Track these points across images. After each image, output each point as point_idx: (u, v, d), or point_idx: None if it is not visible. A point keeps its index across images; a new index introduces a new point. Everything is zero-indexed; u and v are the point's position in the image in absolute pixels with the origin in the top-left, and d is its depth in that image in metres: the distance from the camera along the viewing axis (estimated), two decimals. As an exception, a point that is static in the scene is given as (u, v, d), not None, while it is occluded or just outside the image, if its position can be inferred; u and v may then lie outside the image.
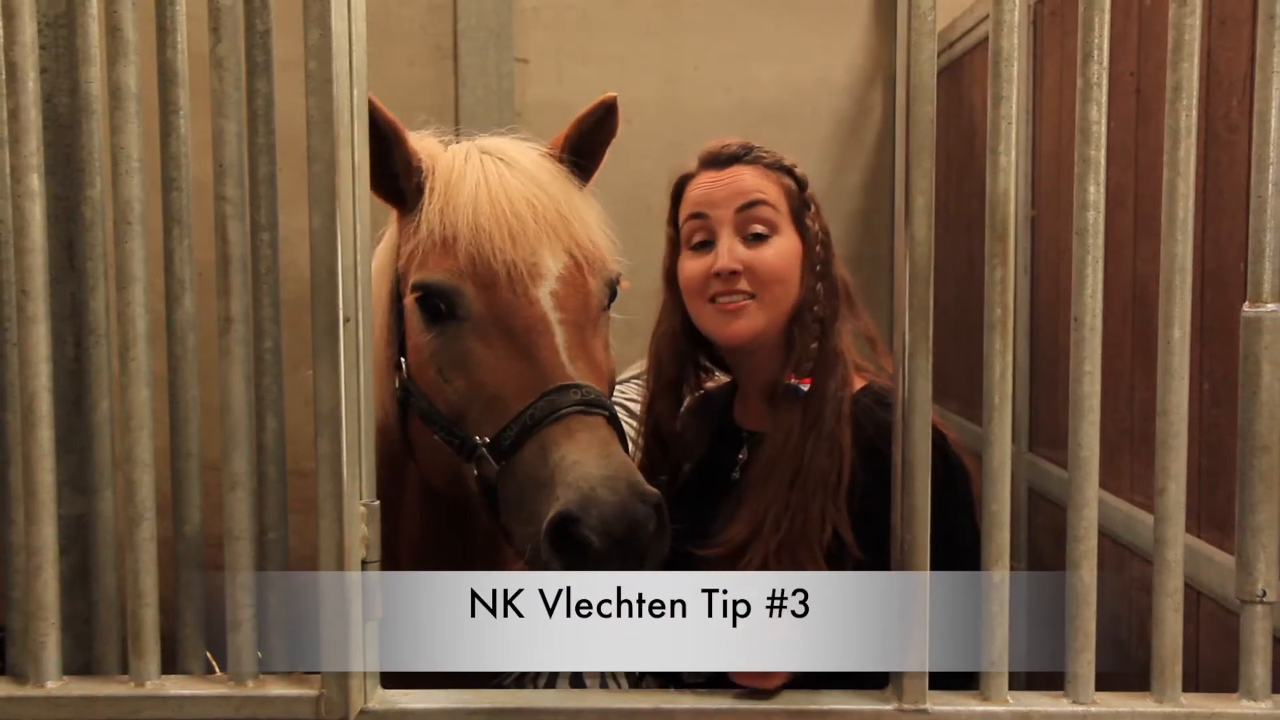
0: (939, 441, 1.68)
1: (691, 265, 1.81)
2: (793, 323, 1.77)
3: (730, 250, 1.75)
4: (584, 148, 2.01)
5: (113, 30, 1.53)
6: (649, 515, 1.56)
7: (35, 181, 1.52)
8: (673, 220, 1.89)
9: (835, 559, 1.66)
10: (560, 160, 1.98)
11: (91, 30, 1.57)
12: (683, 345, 1.92)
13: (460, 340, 1.79)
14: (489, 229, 1.79)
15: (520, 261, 1.78)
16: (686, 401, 2.04)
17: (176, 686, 1.56)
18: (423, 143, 1.96)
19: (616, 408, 2.98)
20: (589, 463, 1.59)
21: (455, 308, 1.79)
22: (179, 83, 1.56)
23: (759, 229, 1.76)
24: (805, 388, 1.74)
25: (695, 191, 1.83)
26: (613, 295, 1.93)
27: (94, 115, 1.58)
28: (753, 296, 1.75)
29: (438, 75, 4.43)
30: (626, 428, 2.74)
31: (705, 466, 1.91)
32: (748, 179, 1.79)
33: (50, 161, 1.58)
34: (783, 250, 1.77)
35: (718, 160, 1.83)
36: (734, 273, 1.74)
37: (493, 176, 1.86)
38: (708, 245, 1.79)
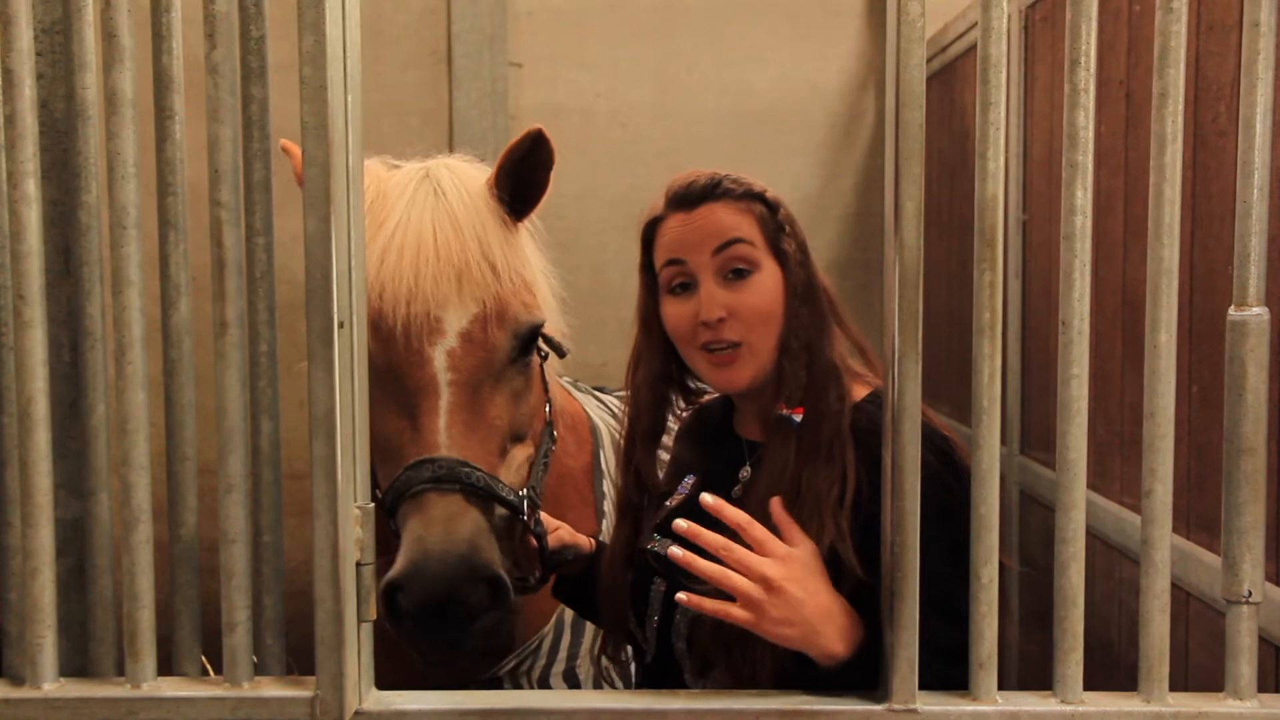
0: (954, 460, 1.66)
1: (675, 310, 1.75)
2: (782, 354, 1.72)
3: (712, 297, 1.69)
4: (520, 179, 1.99)
5: (108, 37, 1.55)
6: (478, 590, 1.65)
7: (31, 187, 1.53)
8: (646, 265, 1.81)
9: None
10: (497, 197, 1.96)
11: (87, 37, 1.58)
12: (661, 390, 1.87)
13: (370, 386, 1.84)
14: (388, 285, 1.81)
15: (416, 318, 1.80)
16: (683, 420, 2.02)
17: (172, 688, 1.57)
18: (370, 174, 1.96)
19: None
20: (429, 536, 1.67)
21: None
22: (174, 88, 1.57)
23: (739, 266, 1.71)
24: (798, 418, 1.69)
25: (667, 236, 1.76)
26: (530, 342, 1.93)
27: (90, 121, 1.59)
28: (740, 343, 1.71)
29: (432, 79, 4.44)
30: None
31: (708, 481, 1.86)
32: (722, 218, 1.72)
33: (46, 167, 1.59)
34: (764, 286, 1.71)
35: (687, 200, 1.75)
36: (720, 320, 1.69)
37: (414, 219, 1.87)
38: (688, 288, 1.74)
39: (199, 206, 1.54)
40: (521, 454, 1.92)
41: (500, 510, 1.78)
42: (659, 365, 1.85)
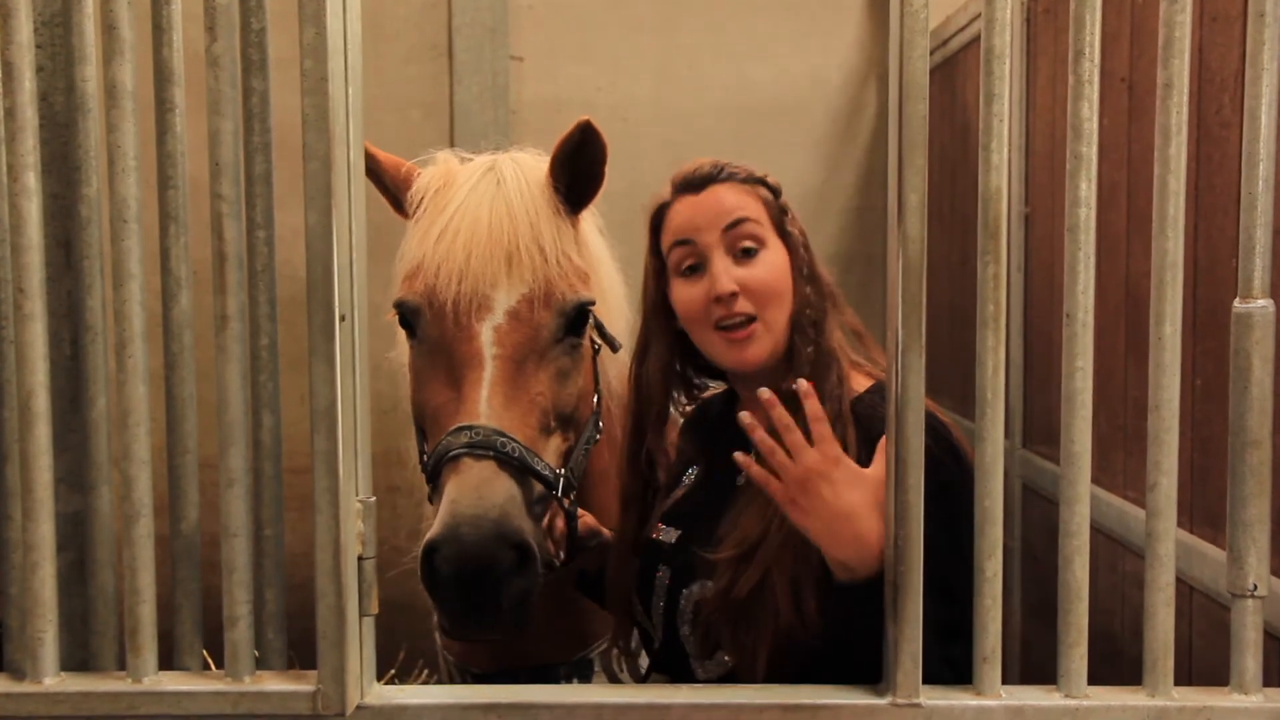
0: (950, 443, 1.68)
1: (687, 293, 1.80)
2: (794, 332, 1.77)
3: (725, 272, 1.75)
4: (574, 171, 2.04)
5: (108, 29, 1.54)
6: (507, 556, 1.67)
7: (32, 180, 1.52)
8: (654, 250, 1.87)
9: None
10: (554, 188, 2.03)
11: (87, 29, 1.58)
12: (673, 376, 1.92)
13: (420, 357, 1.95)
14: (443, 264, 1.91)
15: (465, 296, 1.89)
16: (687, 415, 2.06)
17: (174, 683, 1.56)
18: (441, 164, 2.08)
19: None
20: (463, 500, 1.70)
21: (416, 328, 1.94)
22: (175, 81, 1.57)
23: (748, 244, 1.76)
24: None
25: (677, 218, 1.82)
26: (578, 321, 1.98)
27: (90, 114, 1.59)
28: (754, 318, 1.75)
29: (433, 73, 4.43)
30: None
31: (712, 471, 1.91)
32: (728, 198, 1.78)
33: (47, 160, 1.59)
34: (773, 263, 1.77)
35: (692, 184, 1.82)
36: (733, 294, 1.74)
37: (472, 205, 1.96)
38: (698, 269, 1.79)
39: (200, 200, 1.54)
40: (564, 436, 1.96)
41: (536, 485, 1.82)
42: (666, 352, 1.90)
